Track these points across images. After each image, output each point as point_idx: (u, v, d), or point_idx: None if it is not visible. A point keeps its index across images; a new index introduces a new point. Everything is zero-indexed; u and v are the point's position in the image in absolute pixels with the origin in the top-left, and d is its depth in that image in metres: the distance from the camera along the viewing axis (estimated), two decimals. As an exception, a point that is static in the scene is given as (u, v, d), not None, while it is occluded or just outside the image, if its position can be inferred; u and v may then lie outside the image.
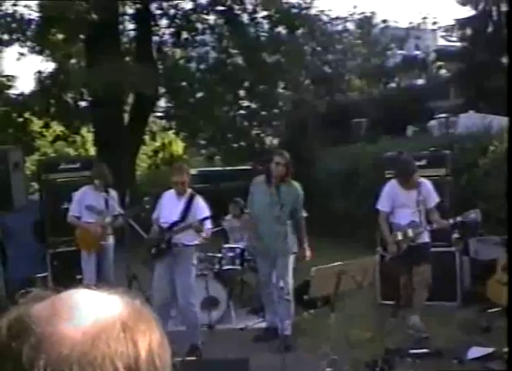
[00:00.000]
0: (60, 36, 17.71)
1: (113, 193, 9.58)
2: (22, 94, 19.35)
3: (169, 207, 8.28)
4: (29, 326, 0.97)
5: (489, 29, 24.18)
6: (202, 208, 8.29)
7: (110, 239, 9.71)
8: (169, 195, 8.43)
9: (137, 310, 1.05)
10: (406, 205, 8.92)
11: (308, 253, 8.76)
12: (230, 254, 10.11)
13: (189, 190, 8.35)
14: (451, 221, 8.74)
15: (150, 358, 1.00)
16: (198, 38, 19.79)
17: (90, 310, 0.99)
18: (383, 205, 9.08)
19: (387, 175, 10.72)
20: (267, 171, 8.61)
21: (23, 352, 0.94)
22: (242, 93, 20.27)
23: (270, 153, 10.34)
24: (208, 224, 8.23)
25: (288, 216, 8.59)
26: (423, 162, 10.53)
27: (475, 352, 7.75)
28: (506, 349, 7.57)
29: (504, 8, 24.03)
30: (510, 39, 9.11)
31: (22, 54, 18.82)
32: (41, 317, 0.98)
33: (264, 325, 9.37)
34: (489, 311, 8.96)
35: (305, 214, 8.70)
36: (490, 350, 7.68)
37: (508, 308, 6.06)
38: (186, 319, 8.36)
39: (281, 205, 8.36)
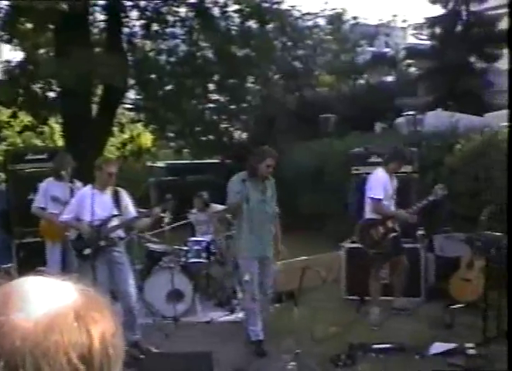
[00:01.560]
0: (29, 26, 17.55)
1: (78, 184, 9.50)
2: (-12, 84, 19.21)
3: (93, 203, 7.94)
4: None
5: (459, 28, 24.35)
6: (130, 201, 8.23)
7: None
8: (85, 192, 8.15)
9: (91, 298, 1.03)
10: (389, 194, 9.06)
11: (283, 250, 8.33)
12: (196, 247, 10.11)
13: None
14: (424, 202, 8.93)
15: (103, 347, 0.99)
16: (168, 30, 19.68)
17: (43, 299, 0.98)
18: (378, 193, 9.03)
19: (354, 171, 10.81)
20: (253, 169, 8.14)
21: None
22: (211, 86, 20.24)
23: (236, 149, 10.20)
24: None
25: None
26: (389, 159, 10.62)
27: (437, 347, 7.82)
28: (468, 345, 7.67)
29: (473, 7, 24.21)
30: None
31: (-11, 43, 18.72)
32: None
33: (229, 318, 9.41)
34: (452, 307, 9.04)
35: (277, 210, 8.58)
36: (452, 346, 7.76)
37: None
38: (126, 312, 8.08)
39: (270, 202, 8.20)
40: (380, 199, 9.02)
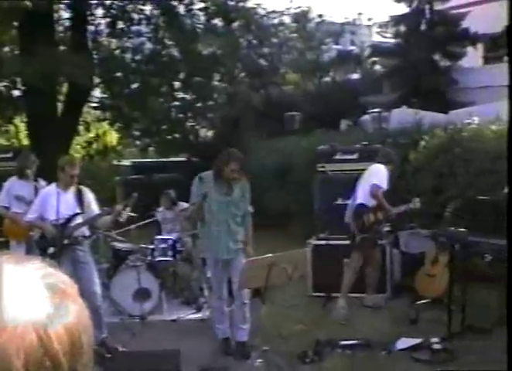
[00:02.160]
0: (-7, 23, 17.46)
1: (42, 183, 9.45)
2: (-48, 82, 19.04)
3: (57, 202, 7.91)
4: None
5: (423, 27, 24.53)
6: (93, 200, 8.22)
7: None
8: (49, 191, 8.10)
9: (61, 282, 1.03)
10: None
11: (251, 251, 8.12)
12: (163, 245, 10.09)
13: None
14: (402, 208, 9.41)
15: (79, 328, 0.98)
16: (134, 28, 19.62)
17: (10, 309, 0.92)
18: (383, 183, 9.26)
19: (319, 169, 10.86)
20: (218, 171, 7.98)
21: None
22: (177, 84, 20.20)
23: (203, 148, 10.12)
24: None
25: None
26: (355, 156, 10.72)
27: (403, 342, 7.89)
28: (433, 339, 7.75)
29: (437, 6, 24.40)
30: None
31: (-48, 41, 18.52)
32: None
33: (195, 316, 9.42)
34: (418, 302, 9.12)
35: (251, 210, 8.48)
36: (418, 341, 7.84)
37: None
38: (92, 311, 8.00)
39: (236, 203, 8.04)
40: (382, 188, 9.21)
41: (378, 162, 9.51)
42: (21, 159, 9.84)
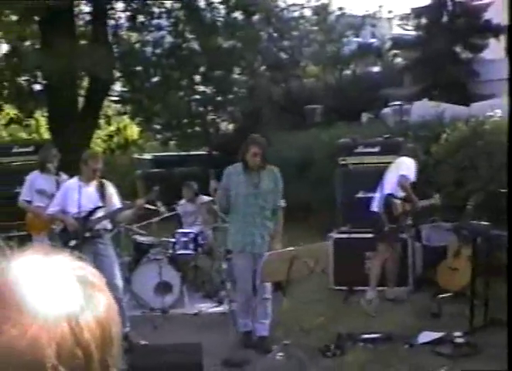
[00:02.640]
0: (14, 18, 17.48)
1: (64, 177, 9.47)
2: (-26, 76, 19.14)
3: (79, 196, 7.98)
4: None
5: (444, 19, 24.36)
6: (115, 193, 8.25)
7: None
8: (71, 185, 8.18)
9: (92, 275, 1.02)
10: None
11: (278, 246, 7.90)
12: (184, 239, 10.11)
13: None
14: (426, 202, 9.43)
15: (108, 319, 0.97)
16: (154, 22, 19.63)
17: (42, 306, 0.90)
18: (412, 175, 9.32)
19: (341, 162, 10.82)
20: (242, 161, 7.96)
21: None
22: (197, 78, 20.20)
23: (224, 141, 10.07)
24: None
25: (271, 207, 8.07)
26: (376, 149, 10.68)
27: (425, 336, 7.86)
28: (456, 333, 7.71)
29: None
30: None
31: (-27, 35, 18.61)
32: None
33: (217, 310, 9.43)
34: (440, 296, 9.08)
35: (283, 204, 8.37)
36: (440, 335, 7.80)
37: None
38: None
39: (265, 195, 7.96)
40: (409, 179, 9.25)
41: (403, 156, 9.51)
42: (42, 153, 9.87)
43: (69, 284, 0.94)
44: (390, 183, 9.38)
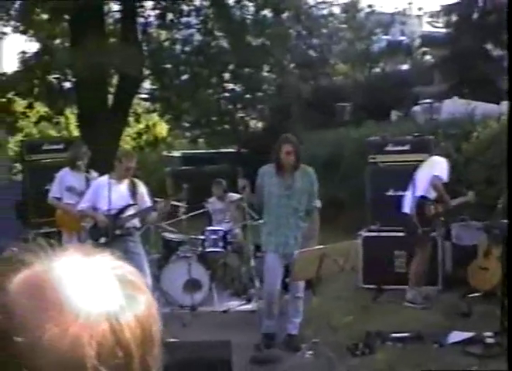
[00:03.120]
0: (45, 16, 17.60)
1: (94, 174, 9.52)
2: (5, 74, 19.20)
3: (109, 193, 8.03)
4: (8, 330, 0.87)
5: (475, 16, 24.19)
6: (146, 192, 8.30)
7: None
8: (102, 182, 8.24)
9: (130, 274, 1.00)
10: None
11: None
12: (213, 236, 10.12)
13: None
14: (458, 201, 9.41)
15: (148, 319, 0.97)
16: (183, 20, 19.67)
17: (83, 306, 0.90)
18: (444, 175, 9.27)
19: (371, 160, 10.78)
20: (276, 161, 7.92)
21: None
22: (227, 75, 20.20)
23: (252, 139, 10.05)
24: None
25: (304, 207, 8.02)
26: (406, 147, 10.63)
27: (455, 336, 7.80)
28: (486, 334, 7.65)
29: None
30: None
31: (4, 34, 18.71)
32: (24, 312, 0.88)
33: (245, 307, 9.43)
34: (470, 295, 9.02)
35: (319, 204, 8.31)
36: (470, 334, 7.74)
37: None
38: None
39: (299, 196, 7.91)
40: (442, 180, 9.21)
41: (436, 155, 9.47)
42: (73, 150, 9.92)
43: (109, 284, 0.94)
44: (422, 183, 9.32)
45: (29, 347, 0.86)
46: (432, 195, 9.24)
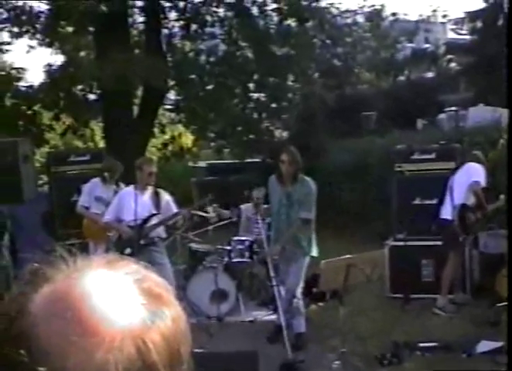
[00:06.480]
0: (70, 29, 17.72)
1: (122, 186, 9.57)
2: (31, 87, 19.38)
3: (134, 204, 8.09)
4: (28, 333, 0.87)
5: (500, 22, 24.08)
6: (171, 200, 8.32)
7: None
8: (127, 193, 8.33)
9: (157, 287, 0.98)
10: None
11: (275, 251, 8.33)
12: (240, 247, 10.10)
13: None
14: (495, 205, 9.53)
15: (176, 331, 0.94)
16: (207, 30, 19.72)
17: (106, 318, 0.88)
18: (483, 181, 9.33)
19: (397, 169, 10.73)
20: (277, 170, 8.20)
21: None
22: (251, 85, 20.20)
23: (278, 148, 10.07)
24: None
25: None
26: (433, 156, 10.58)
27: (484, 345, 7.74)
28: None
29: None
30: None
31: (31, 47, 18.84)
32: (46, 337, 0.86)
33: (272, 317, 9.42)
34: (498, 305, 8.94)
35: (311, 216, 8.33)
36: (499, 344, 7.67)
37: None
38: None
39: (297, 207, 8.08)
40: (482, 185, 9.27)
41: (469, 162, 9.51)
42: (107, 164, 10.02)
43: (132, 299, 0.91)
44: (460, 189, 9.34)
45: None
46: (471, 201, 9.25)
